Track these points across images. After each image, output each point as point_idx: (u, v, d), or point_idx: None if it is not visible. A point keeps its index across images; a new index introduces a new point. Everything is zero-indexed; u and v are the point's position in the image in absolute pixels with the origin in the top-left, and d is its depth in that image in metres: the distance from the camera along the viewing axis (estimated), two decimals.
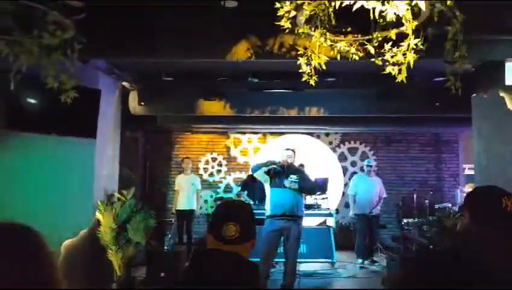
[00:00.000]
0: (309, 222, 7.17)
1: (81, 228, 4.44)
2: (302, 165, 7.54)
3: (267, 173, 4.70)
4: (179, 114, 6.75)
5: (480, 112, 4.75)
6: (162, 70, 5.46)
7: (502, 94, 4.14)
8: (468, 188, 6.58)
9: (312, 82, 2.40)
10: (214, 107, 6.13)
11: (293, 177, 4.65)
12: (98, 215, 4.56)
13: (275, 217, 4.62)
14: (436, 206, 7.14)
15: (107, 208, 4.62)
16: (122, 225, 4.68)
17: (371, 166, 6.72)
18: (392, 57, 2.20)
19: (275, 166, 4.69)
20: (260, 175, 4.78)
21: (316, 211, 6.79)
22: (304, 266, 5.95)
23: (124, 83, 5.38)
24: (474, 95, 4.85)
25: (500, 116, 4.22)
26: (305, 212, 6.70)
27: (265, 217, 4.82)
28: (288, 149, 4.92)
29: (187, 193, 6.85)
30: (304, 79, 2.43)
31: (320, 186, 6.93)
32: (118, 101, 5.24)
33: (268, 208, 4.82)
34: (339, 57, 2.43)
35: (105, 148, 4.89)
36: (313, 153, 8.14)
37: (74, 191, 4.36)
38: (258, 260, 4.54)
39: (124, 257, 4.57)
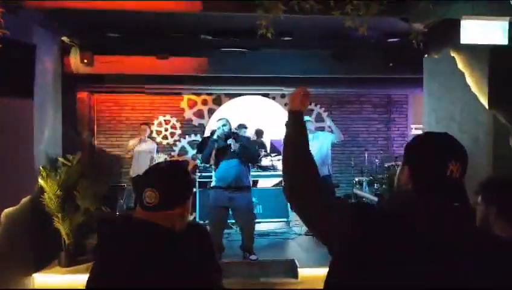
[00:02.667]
0: (265, 183, 7.24)
1: (23, 195, 4.14)
2: (259, 132, 7.50)
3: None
4: (128, 73, 6.35)
5: (431, 72, 4.84)
6: (107, 25, 5.03)
7: (453, 54, 4.21)
8: None
9: (269, 35, 2.25)
10: (166, 66, 5.82)
11: (236, 146, 4.62)
12: (41, 181, 4.26)
13: (219, 188, 4.55)
14: (386, 164, 7.41)
15: (50, 173, 4.32)
16: (68, 191, 4.43)
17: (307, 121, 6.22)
18: (352, 10, 2.09)
19: (216, 143, 4.64)
20: (212, 158, 4.71)
21: (272, 172, 6.83)
22: (260, 226, 6.03)
23: (64, 38, 4.92)
24: (426, 56, 4.92)
25: (450, 76, 4.32)
26: (262, 173, 6.73)
27: (211, 185, 4.77)
28: (220, 119, 4.89)
29: (144, 161, 6.64)
30: (260, 32, 2.28)
31: (277, 148, 6.95)
32: (57, 57, 4.80)
33: (213, 180, 4.73)
34: (296, 8, 2.28)
35: (45, 109, 4.51)
36: (269, 114, 8.09)
37: (12, 156, 4.01)
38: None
39: (72, 224, 4.36)
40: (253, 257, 4.57)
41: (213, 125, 7.59)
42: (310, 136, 6.44)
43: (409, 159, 1.20)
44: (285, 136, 1.35)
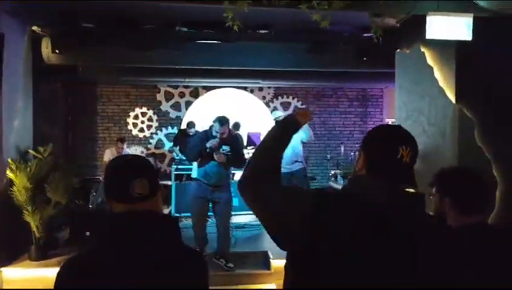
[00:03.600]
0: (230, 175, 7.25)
1: None
2: (237, 125, 7.49)
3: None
4: (102, 64, 6.24)
5: (402, 66, 4.95)
6: (79, 14, 4.92)
7: (423, 49, 4.31)
8: None
9: (235, 28, 2.26)
10: (142, 58, 5.74)
11: (225, 148, 4.30)
12: (10, 174, 4.17)
13: (201, 181, 4.35)
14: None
15: (20, 166, 4.23)
16: (39, 183, 4.35)
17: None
18: (318, 4, 2.13)
19: (208, 147, 4.24)
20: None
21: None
22: (236, 219, 6.05)
23: (34, 28, 4.79)
24: (398, 50, 5.02)
25: (420, 71, 4.43)
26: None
27: (192, 175, 4.55)
28: (222, 124, 4.23)
29: None
30: (227, 24, 2.28)
31: (253, 141, 6.98)
32: (27, 47, 4.67)
33: (194, 172, 4.47)
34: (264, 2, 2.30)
35: (15, 100, 4.40)
36: (246, 107, 8.10)
37: None
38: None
39: (42, 217, 4.28)
40: (230, 265, 4.41)
41: (192, 117, 7.56)
42: None
43: (363, 146, 1.27)
44: (273, 133, 1.40)
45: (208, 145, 4.24)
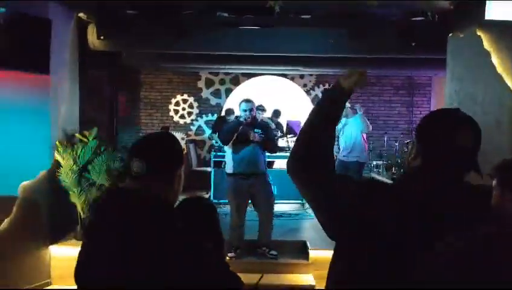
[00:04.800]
0: (281, 163, 7.19)
1: (40, 169, 4.23)
2: (277, 112, 7.40)
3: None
4: (145, 51, 6.34)
5: (455, 52, 4.63)
6: (124, 1, 5.00)
7: (479, 33, 4.00)
8: None
9: (277, 8, 2.16)
10: (183, 44, 5.76)
11: (258, 132, 4.29)
12: (57, 156, 4.33)
13: (239, 175, 4.28)
14: (406, 149, 7.24)
15: (66, 149, 4.39)
16: (84, 166, 4.50)
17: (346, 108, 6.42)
18: None
19: (241, 127, 4.27)
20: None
21: (288, 154, 6.72)
22: (275, 207, 6.00)
23: (81, 15, 4.91)
24: (451, 34, 4.70)
25: (474, 56, 4.11)
26: (278, 154, 6.62)
27: (226, 171, 4.49)
28: (247, 102, 4.37)
29: None
30: (268, 5, 2.19)
31: (293, 129, 6.86)
32: (73, 33, 4.81)
33: (230, 165, 4.39)
34: None
35: (62, 85, 4.55)
36: (287, 95, 7.98)
37: (29, 131, 4.08)
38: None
39: (87, 199, 4.43)
40: (273, 252, 4.34)
41: (232, 104, 7.55)
42: (343, 120, 6.39)
43: (416, 134, 1.17)
44: (320, 106, 1.27)
45: (242, 118, 4.30)
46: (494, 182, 1.55)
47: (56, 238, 4.41)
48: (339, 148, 6.41)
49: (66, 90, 4.65)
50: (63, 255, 4.28)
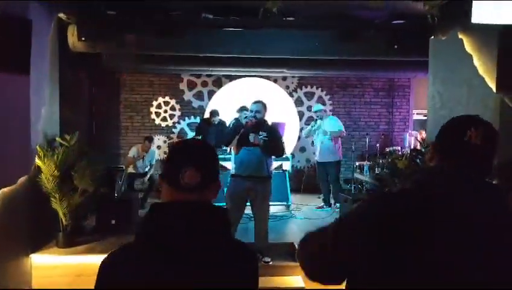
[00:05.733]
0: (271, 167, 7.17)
1: (20, 175, 4.06)
2: (243, 108, 7.34)
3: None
4: (126, 52, 6.21)
5: (437, 54, 4.73)
6: (105, 2, 4.89)
7: (461, 36, 4.10)
8: (423, 133, 6.77)
9: (275, 9, 2.14)
10: (165, 46, 5.68)
11: (262, 134, 4.15)
12: (38, 161, 4.18)
13: (240, 177, 4.21)
14: (387, 149, 7.36)
15: (47, 153, 4.24)
16: (66, 171, 4.35)
17: (316, 111, 6.64)
18: None
19: (242, 129, 4.19)
20: (234, 143, 4.29)
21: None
22: None
23: (61, 15, 4.77)
24: (432, 37, 4.81)
25: (456, 58, 4.22)
26: None
27: (230, 172, 4.44)
28: (257, 102, 4.25)
29: (141, 167, 6.75)
30: (266, 6, 2.17)
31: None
32: (54, 34, 4.66)
33: (232, 167, 4.38)
34: None
35: (42, 87, 4.40)
36: (270, 97, 7.97)
37: (8, 135, 3.92)
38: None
39: (69, 205, 4.30)
40: (266, 259, 4.29)
41: (215, 106, 7.48)
42: (319, 122, 6.52)
43: (435, 138, 1.20)
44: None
45: (245, 118, 4.22)
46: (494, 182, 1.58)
47: (37, 247, 4.25)
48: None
49: (46, 93, 4.50)
50: (45, 264, 4.14)
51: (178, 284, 1.03)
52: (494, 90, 3.67)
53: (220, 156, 6.31)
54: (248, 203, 4.39)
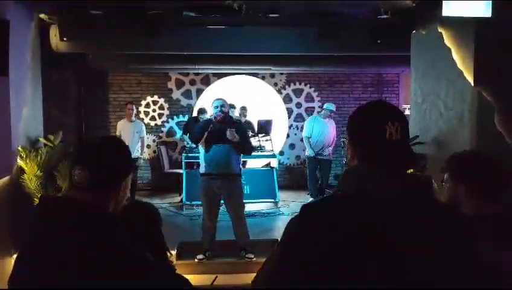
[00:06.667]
0: (253, 163, 7.20)
1: (1, 176, 4.06)
2: (244, 109, 7.38)
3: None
4: (111, 52, 6.20)
5: (418, 48, 4.76)
6: (87, 1, 4.87)
7: (440, 30, 4.12)
8: None
9: (236, 6, 2.15)
10: (150, 44, 5.67)
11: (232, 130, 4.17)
12: (20, 162, 4.18)
13: (209, 175, 4.19)
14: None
15: (30, 154, 4.24)
16: (50, 172, 4.35)
17: (331, 111, 6.73)
18: None
19: (211, 125, 4.18)
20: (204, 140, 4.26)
21: (260, 153, 6.76)
22: (248, 207, 5.99)
23: (42, 15, 4.75)
24: (414, 32, 4.82)
25: (437, 53, 4.24)
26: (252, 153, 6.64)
27: (200, 171, 4.38)
28: (218, 99, 4.32)
29: (130, 141, 6.42)
30: (227, 2, 2.17)
31: (264, 128, 6.87)
32: (35, 34, 4.64)
33: (202, 165, 4.31)
34: None
35: (23, 87, 4.38)
36: (258, 94, 7.99)
37: None
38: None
39: None
40: (249, 256, 4.28)
41: (203, 104, 7.48)
42: (324, 120, 6.70)
43: (348, 134, 1.15)
44: None
45: (212, 116, 4.22)
46: (446, 175, 1.58)
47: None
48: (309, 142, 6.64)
49: (27, 93, 4.49)
50: None
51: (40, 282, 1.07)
52: (472, 83, 3.69)
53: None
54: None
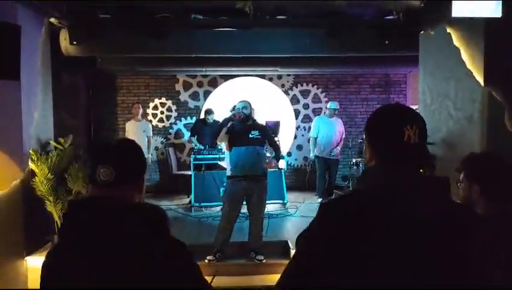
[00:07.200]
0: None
1: (13, 179, 4.11)
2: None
3: (227, 132, 4.27)
4: (119, 55, 6.26)
5: (427, 49, 4.73)
6: (96, 5, 4.92)
7: (449, 30, 4.10)
8: None
9: (247, 9, 2.17)
10: (159, 47, 5.70)
11: (254, 133, 4.25)
12: (31, 165, 4.23)
13: (236, 178, 4.22)
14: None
15: (41, 157, 4.29)
16: (60, 174, 4.40)
17: (335, 109, 6.82)
18: None
19: (232, 122, 4.25)
20: (223, 138, 4.31)
21: (268, 154, 6.75)
22: None
23: (52, 20, 4.81)
24: (422, 32, 4.80)
25: (445, 53, 4.21)
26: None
27: (227, 174, 4.42)
28: (243, 101, 4.41)
29: (138, 141, 6.48)
30: (237, 6, 2.19)
31: (272, 130, 6.88)
32: (45, 39, 4.70)
33: (228, 168, 4.37)
34: None
35: (34, 91, 4.44)
36: (265, 95, 8.00)
37: (0, 140, 3.97)
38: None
39: (64, 207, 4.33)
40: (259, 257, 4.31)
41: (210, 106, 7.50)
42: (331, 119, 6.76)
43: (366, 136, 1.18)
44: None
45: (232, 114, 4.29)
46: (461, 175, 1.59)
47: (32, 249, 4.30)
48: (315, 143, 6.69)
49: (38, 97, 4.54)
50: (40, 266, 4.17)
51: (99, 279, 1.10)
52: (482, 83, 3.67)
53: (215, 156, 6.40)
54: (244, 202, 4.41)
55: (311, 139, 6.88)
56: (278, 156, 4.63)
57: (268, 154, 4.73)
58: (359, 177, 1.18)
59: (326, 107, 7.24)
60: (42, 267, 1.18)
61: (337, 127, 6.83)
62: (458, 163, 1.64)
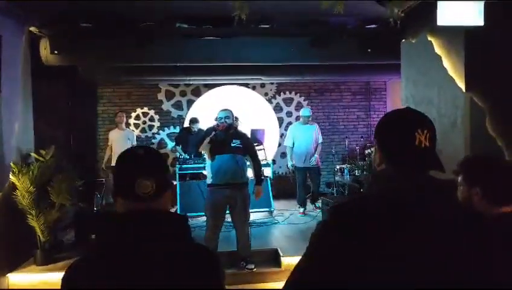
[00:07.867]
0: (247, 173, 7.16)
1: None
2: (236, 119, 7.38)
3: (209, 142, 4.26)
4: (101, 65, 6.16)
5: (408, 57, 4.85)
6: (77, 14, 4.84)
7: (430, 38, 4.22)
8: None
9: (244, 16, 2.17)
10: (141, 56, 5.65)
11: (236, 142, 4.25)
12: (12, 178, 4.09)
13: (217, 186, 4.18)
14: (366, 151, 7.48)
15: (22, 169, 4.15)
16: (42, 187, 4.27)
17: (308, 116, 6.54)
18: None
19: (215, 132, 4.25)
20: (205, 148, 4.29)
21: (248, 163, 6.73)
22: None
23: (32, 29, 4.70)
24: (404, 40, 4.93)
25: (426, 60, 4.33)
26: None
27: (207, 182, 4.38)
28: (225, 110, 4.38)
29: (122, 150, 6.36)
30: (234, 14, 2.20)
31: (257, 138, 6.88)
32: (25, 48, 4.59)
33: (209, 176, 4.32)
34: None
35: (15, 102, 4.31)
36: (249, 104, 8.02)
37: None
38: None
39: (46, 221, 4.20)
40: (250, 266, 4.30)
41: (194, 115, 7.46)
42: (305, 126, 6.53)
43: (376, 139, 1.18)
44: None
45: (217, 123, 4.28)
46: (459, 178, 1.62)
47: (14, 265, 4.14)
48: (291, 152, 6.55)
49: (18, 107, 4.42)
50: (23, 282, 4.03)
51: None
52: (464, 90, 3.78)
53: (200, 165, 6.33)
54: (228, 212, 4.37)
55: (287, 148, 6.65)
56: (258, 175, 4.49)
57: (248, 163, 4.66)
58: (368, 180, 1.18)
59: (299, 115, 7.11)
60: (64, 280, 1.10)
61: (313, 134, 6.55)
62: (445, 167, 1.67)
